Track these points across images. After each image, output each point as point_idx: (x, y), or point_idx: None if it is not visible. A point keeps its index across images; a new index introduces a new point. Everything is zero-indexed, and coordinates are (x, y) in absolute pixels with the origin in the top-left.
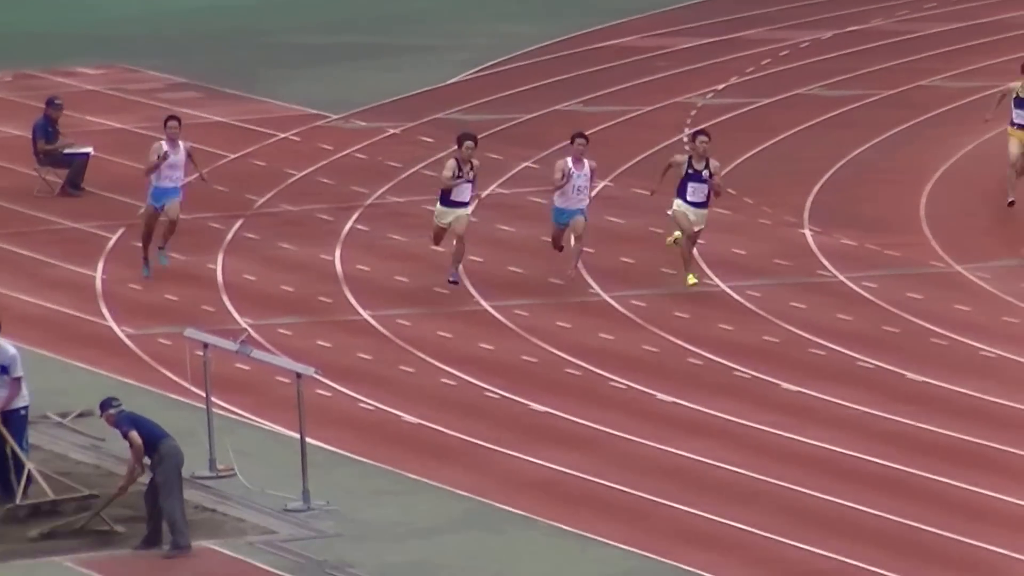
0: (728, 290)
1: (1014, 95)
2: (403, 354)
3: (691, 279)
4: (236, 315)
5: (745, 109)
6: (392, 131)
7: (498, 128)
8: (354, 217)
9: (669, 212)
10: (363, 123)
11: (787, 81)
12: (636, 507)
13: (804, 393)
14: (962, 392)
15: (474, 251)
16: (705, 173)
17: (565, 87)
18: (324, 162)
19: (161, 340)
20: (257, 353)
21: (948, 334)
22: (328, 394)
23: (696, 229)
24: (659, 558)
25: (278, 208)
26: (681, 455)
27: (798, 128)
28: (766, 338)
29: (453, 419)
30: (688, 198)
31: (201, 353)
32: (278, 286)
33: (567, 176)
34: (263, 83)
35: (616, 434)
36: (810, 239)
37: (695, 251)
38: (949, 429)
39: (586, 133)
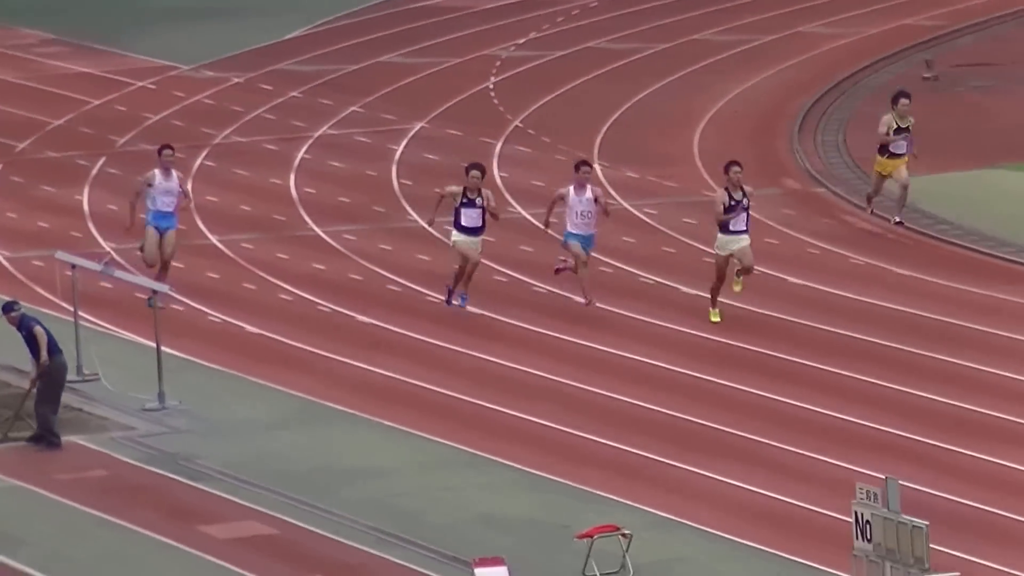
0: (528, 216)
1: (893, 126)
2: (246, 273)
3: (738, 286)
4: (100, 240)
5: (542, 60)
6: (236, 80)
7: (328, 77)
8: (203, 155)
9: (716, 248)
10: (211, 73)
11: (578, 36)
12: (444, 403)
13: (610, 310)
14: (749, 309)
15: (308, 183)
16: (745, 201)
17: (386, 41)
18: (177, 107)
19: (35, 262)
20: (119, 273)
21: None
22: (181, 308)
23: (745, 252)
24: (469, 448)
25: (137, 147)
26: (478, 357)
27: (588, 77)
28: (561, 257)
29: (290, 330)
30: (731, 228)
31: (70, 273)
32: (138, 215)
33: (565, 202)
34: (125, 39)
35: (429, 341)
36: (599, 172)
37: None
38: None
39: (589, 162)
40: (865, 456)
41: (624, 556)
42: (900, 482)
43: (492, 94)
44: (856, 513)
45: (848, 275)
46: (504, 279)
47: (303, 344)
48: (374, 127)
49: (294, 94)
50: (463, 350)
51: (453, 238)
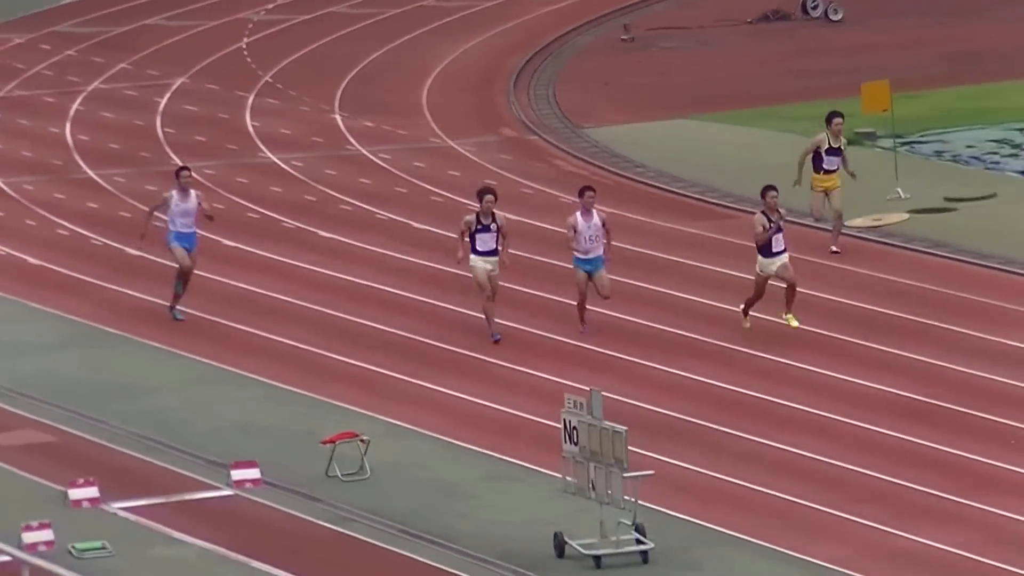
0: (278, 161)
1: (825, 146)
2: (28, 211)
3: (794, 322)
4: None
5: (289, 23)
6: (17, 40)
7: (100, 38)
8: None
9: (758, 269)
10: None
11: (321, 1)
12: (204, 325)
13: (335, 239)
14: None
15: (82, 132)
16: (781, 222)
17: (152, 6)
18: None
19: None
20: None
21: (445, 193)
22: None
23: (783, 273)
24: (229, 367)
25: None
26: (232, 284)
27: (330, 38)
28: (307, 197)
29: (67, 261)
30: (773, 250)
31: None
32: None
33: (576, 230)
34: None
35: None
36: (340, 122)
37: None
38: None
39: (593, 187)
40: (573, 371)
41: (363, 459)
42: (603, 393)
43: (245, 53)
44: (565, 420)
45: (557, 211)
46: (256, 216)
47: (80, 274)
48: (141, 82)
49: (70, 52)
50: (220, 279)
51: (471, 263)
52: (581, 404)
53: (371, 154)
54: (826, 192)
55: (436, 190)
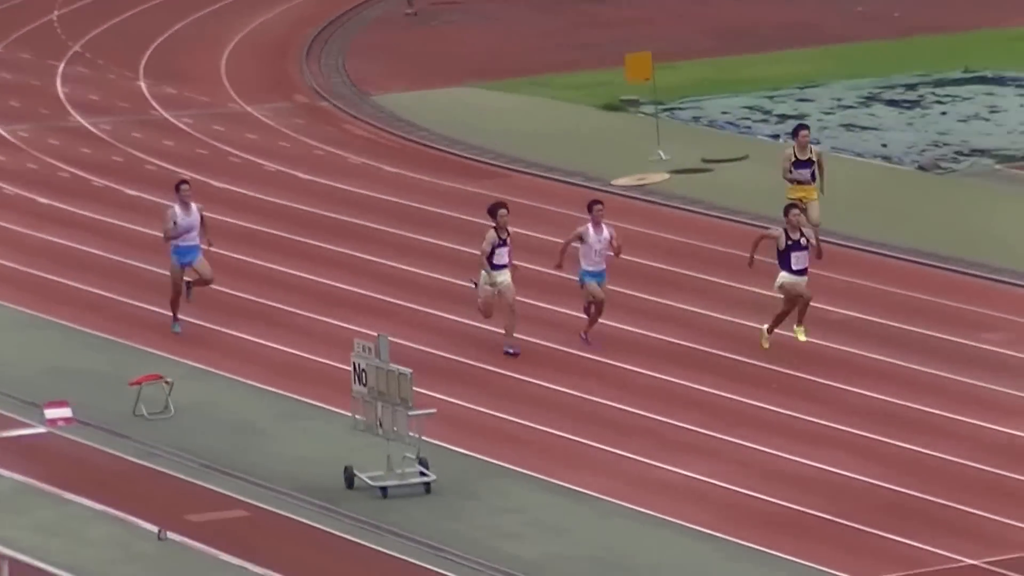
0: (87, 124)
1: (792, 159)
2: None
3: (802, 335)
4: None
5: None
6: None
7: None
8: None
9: (776, 286)
10: None
11: None
12: (20, 277)
13: (141, 196)
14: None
15: None
16: (803, 240)
17: None
18: None
19: None
20: None
21: (243, 155)
22: None
23: (804, 292)
24: (41, 315)
25: None
26: (50, 240)
27: (135, 11)
28: (114, 158)
29: None
30: (793, 267)
31: None
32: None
33: (584, 240)
34: None
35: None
36: (144, 88)
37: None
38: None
39: (601, 201)
40: (361, 318)
41: (167, 399)
42: (390, 339)
43: (56, 24)
44: (354, 363)
45: (348, 172)
46: (67, 175)
47: None
48: None
49: None
50: (35, 233)
51: (484, 277)
52: (369, 348)
53: (174, 118)
54: (797, 200)
55: (235, 152)
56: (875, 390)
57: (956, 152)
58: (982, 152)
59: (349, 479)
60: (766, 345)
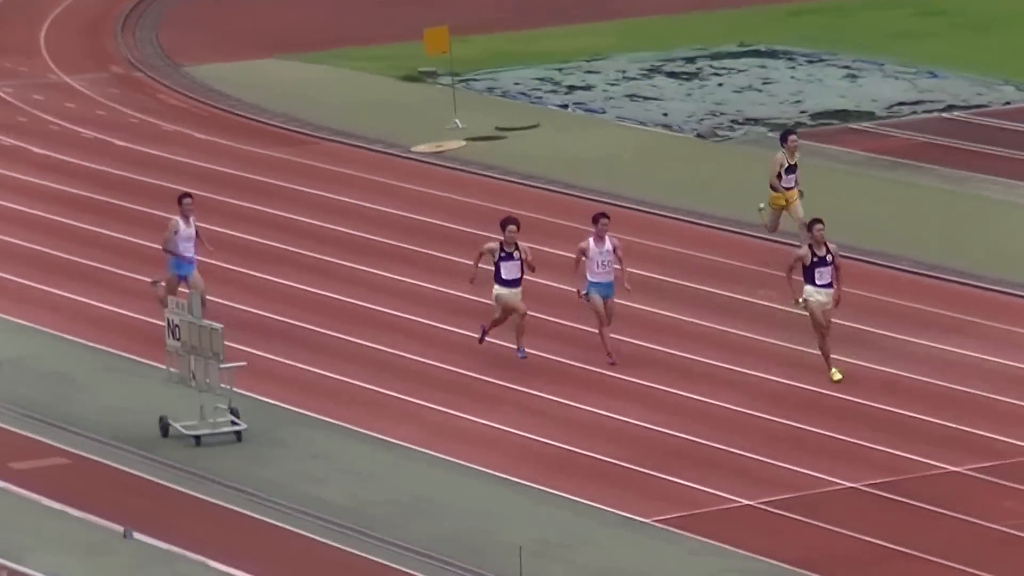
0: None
1: (785, 165)
2: None
3: (836, 374)
4: None
5: None
6: None
7: None
8: None
9: (801, 300)
10: None
11: None
12: None
13: (51, 155)
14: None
15: None
16: (828, 257)
17: None
18: None
19: None
20: None
21: (62, 123)
22: None
23: (827, 309)
24: None
25: None
26: None
27: None
28: (20, 119)
29: None
30: (817, 282)
31: None
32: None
33: (587, 255)
34: None
35: None
36: None
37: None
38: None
39: (607, 215)
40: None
41: None
42: (204, 296)
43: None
44: (168, 319)
45: (161, 139)
46: None
47: None
48: None
49: None
50: None
51: (496, 292)
52: (183, 305)
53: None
54: (786, 206)
55: (54, 120)
56: (662, 343)
57: (732, 121)
58: (755, 121)
59: (164, 428)
60: (837, 377)
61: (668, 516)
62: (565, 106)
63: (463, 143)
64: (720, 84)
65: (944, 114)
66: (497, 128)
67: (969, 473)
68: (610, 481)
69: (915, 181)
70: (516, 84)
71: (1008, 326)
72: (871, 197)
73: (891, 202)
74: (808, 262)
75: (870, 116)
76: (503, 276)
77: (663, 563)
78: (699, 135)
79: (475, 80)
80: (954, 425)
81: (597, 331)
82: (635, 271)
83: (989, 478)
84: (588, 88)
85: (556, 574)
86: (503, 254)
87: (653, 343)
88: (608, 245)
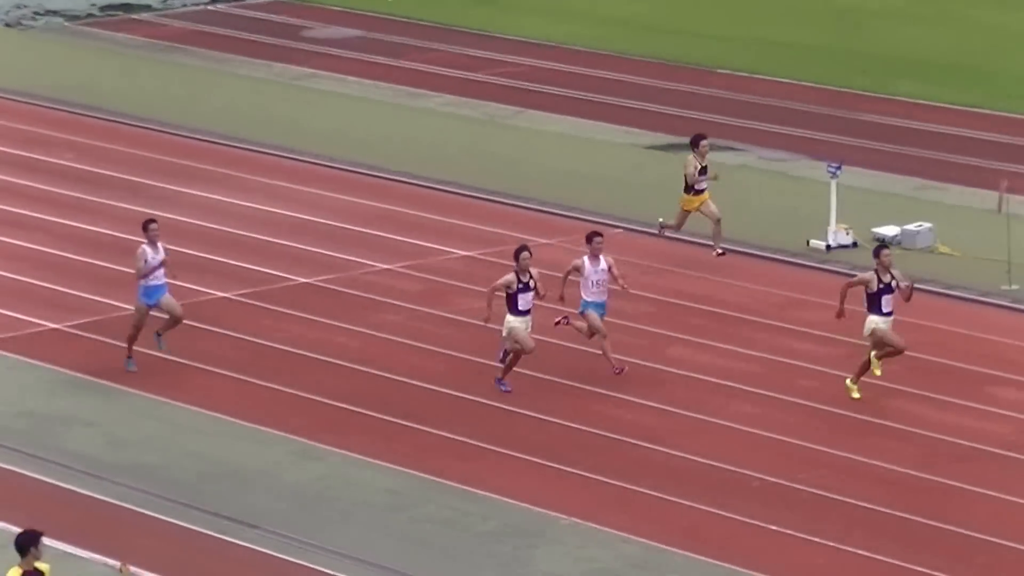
0: None
1: (698, 167)
2: None
3: (877, 370)
4: None
5: None
6: None
7: None
8: None
9: (867, 332)
10: None
11: None
12: None
13: None
14: None
15: None
16: (893, 284)
17: None
18: None
19: None
20: None
21: None
22: None
23: (896, 342)
24: None
25: None
26: None
27: None
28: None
29: None
30: (883, 310)
31: None
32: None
33: (581, 273)
34: None
35: None
36: None
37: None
38: None
39: (601, 232)
40: None
41: None
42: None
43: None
44: None
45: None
46: None
47: None
48: None
49: None
50: None
51: (510, 325)
52: None
53: None
54: (692, 211)
55: None
56: None
57: (35, 12)
58: (55, 12)
59: None
60: (856, 395)
61: None
62: None
63: None
64: None
65: (209, 7)
66: None
67: (234, 298)
68: (357, 430)
69: (184, 62)
70: None
71: (243, 174)
72: (151, 75)
73: (164, 79)
74: (874, 288)
75: (148, 8)
76: (520, 308)
77: None
78: (7, 24)
79: None
80: (217, 258)
81: (588, 335)
82: None
83: (249, 301)
84: None
85: None
86: (520, 285)
87: None
88: (603, 264)
